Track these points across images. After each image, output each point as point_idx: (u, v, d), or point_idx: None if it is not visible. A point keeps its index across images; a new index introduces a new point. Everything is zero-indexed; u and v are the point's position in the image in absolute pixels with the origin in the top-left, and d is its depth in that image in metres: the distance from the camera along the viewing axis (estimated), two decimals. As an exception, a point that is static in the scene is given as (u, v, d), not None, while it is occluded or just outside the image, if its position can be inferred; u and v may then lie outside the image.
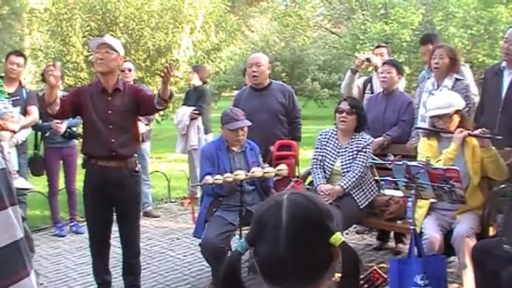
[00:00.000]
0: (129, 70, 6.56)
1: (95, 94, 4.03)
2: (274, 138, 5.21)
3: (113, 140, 4.00)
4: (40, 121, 6.02)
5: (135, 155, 4.26)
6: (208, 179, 4.23)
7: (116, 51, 3.98)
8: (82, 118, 4.25)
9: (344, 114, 4.62)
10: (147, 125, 6.67)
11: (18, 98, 5.62)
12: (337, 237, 1.32)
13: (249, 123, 4.51)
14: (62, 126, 5.99)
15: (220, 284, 1.34)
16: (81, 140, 4.46)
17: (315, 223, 1.33)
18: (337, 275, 1.40)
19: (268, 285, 1.34)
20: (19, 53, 6.04)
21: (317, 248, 1.32)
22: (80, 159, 4.74)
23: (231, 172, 4.24)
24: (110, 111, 4.01)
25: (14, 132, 5.32)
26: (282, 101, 5.26)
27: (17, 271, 1.42)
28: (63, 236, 6.28)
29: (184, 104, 7.35)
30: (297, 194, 1.40)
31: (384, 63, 5.39)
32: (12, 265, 1.41)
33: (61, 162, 6.32)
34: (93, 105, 4.00)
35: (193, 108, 7.06)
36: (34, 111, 5.72)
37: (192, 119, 7.06)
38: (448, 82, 4.74)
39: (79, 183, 5.01)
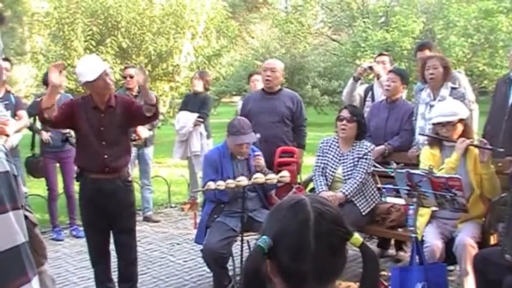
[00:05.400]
0: (131, 77, 6.56)
1: (87, 110, 4.00)
2: (278, 141, 5.31)
3: (106, 156, 4.00)
4: (37, 124, 6.04)
5: (128, 166, 4.28)
6: (211, 184, 4.23)
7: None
8: (75, 132, 4.23)
9: (344, 122, 4.63)
10: (150, 130, 6.67)
11: (7, 102, 5.63)
12: (357, 238, 1.32)
13: (255, 139, 4.53)
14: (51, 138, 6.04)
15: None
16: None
17: (339, 222, 1.32)
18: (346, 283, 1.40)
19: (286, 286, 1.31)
20: (4, 58, 5.99)
21: (341, 247, 1.31)
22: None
23: (234, 179, 4.24)
24: (102, 128, 4.00)
25: (7, 136, 5.34)
26: (290, 106, 5.40)
27: (16, 277, 1.37)
28: (61, 240, 6.28)
29: (184, 109, 7.26)
30: (314, 195, 1.41)
31: (389, 71, 5.39)
32: (10, 271, 1.37)
33: (58, 165, 6.34)
34: (87, 120, 3.98)
35: (197, 114, 7.04)
36: (24, 116, 5.76)
37: (195, 125, 7.06)
38: (445, 92, 4.76)
39: (77, 187, 5.00)
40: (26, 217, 3.64)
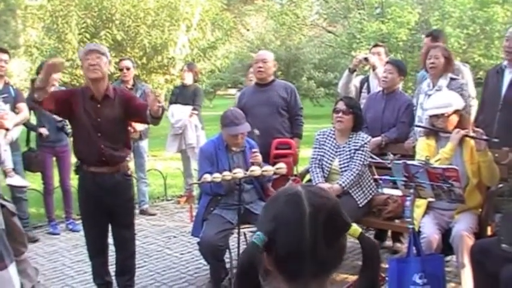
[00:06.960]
0: (127, 69, 6.54)
1: (85, 99, 3.96)
2: (274, 132, 5.29)
3: (102, 147, 3.96)
4: (33, 119, 6.00)
5: (127, 159, 4.24)
6: (207, 177, 4.21)
7: (105, 55, 3.92)
8: (71, 122, 4.19)
9: (340, 114, 4.62)
10: (145, 122, 6.64)
11: (7, 95, 5.57)
12: (355, 229, 1.30)
13: (249, 128, 4.52)
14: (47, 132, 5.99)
15: (236, 283, 1.26)
16: (71, 138, 4.39)
17: (336, 213, 1.30)
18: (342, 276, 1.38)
19: (284, 280, 1.30)
20: (3, 50, 5.92)
21: (339, 239, 1.29)
22: (73, 158, 4.70)
23: (230, 171, 4.23)
24: (99, 119, 3.94)
25: (7, 130, 5.29)
26: (284, 95, 5.38)
27: None
28: (57, 234, 6.26)
29: (174, 102, 7.23)
30: (310, 186, 1.38)
31: (386, 63, 5.36)
32: None
33: (54, 159, 6.31)
34: (84, 110, 3.93)
35: (191, 107, 7.02)
36: (24, 109, 5.69)
37: (190, 116, 7.03)
38: (443, 82, 4.75)
39: (74, 181, 4.97)
40: (3, 206, 3.64)
